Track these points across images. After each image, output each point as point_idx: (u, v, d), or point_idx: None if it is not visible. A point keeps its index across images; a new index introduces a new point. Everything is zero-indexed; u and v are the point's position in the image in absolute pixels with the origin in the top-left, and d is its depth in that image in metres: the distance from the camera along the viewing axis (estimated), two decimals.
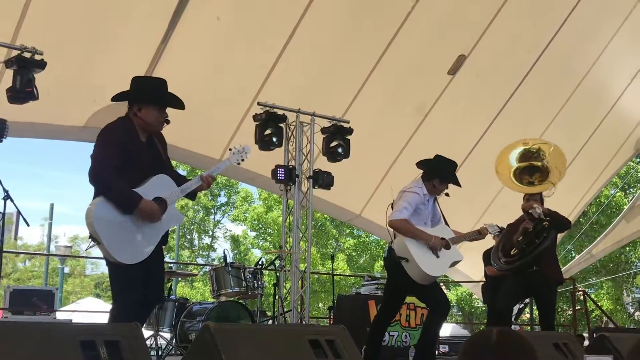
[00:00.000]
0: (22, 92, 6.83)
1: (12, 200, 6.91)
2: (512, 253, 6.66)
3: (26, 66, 6.82)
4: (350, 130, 8.96)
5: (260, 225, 30.30)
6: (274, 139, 8.53)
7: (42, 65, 6.89)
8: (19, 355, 3.08)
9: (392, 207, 5.87)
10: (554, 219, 6.62)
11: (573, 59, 11.60)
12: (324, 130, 8.93)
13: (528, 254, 6.51)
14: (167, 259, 31.06)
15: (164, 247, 4.75)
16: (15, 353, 3.08)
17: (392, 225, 5.76)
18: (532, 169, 6.91)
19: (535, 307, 12.40)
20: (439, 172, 5.96)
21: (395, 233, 5.81)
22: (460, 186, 6.04)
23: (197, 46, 8.67)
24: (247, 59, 9.05)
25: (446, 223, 6.12)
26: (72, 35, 7.88)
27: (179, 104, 5.00)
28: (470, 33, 10.26)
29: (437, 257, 5.76)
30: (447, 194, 6.03)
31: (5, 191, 6.86)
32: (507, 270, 6.83)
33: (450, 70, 10.47)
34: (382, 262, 29.16)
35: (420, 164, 6.06)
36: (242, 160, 5.07)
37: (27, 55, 6.82)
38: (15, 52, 6.90)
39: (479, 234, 6.10)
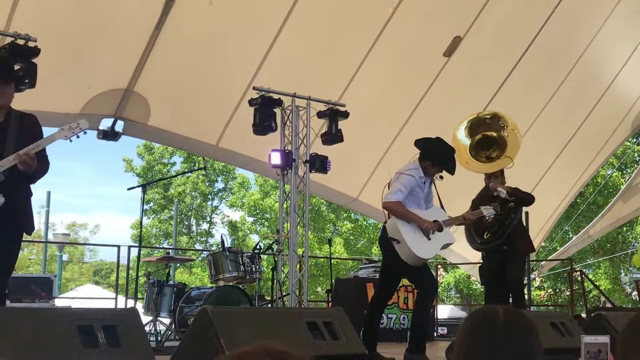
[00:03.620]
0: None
1: None
2: (485, 236, 6.97)
3: (20, 53, 6.78)
4: (346, 114, 8.94)
5: (257, 211, 30.31)
6: (273, 124, 8.51)
7: (36, 52, 6.84)
8: (17, 340, 3.09)
9: (389, 188, 5.87)
10: (518, 198, 6.91)
11: (568, 40, 11.57)
12: (319, 114, 8.91)
13: (500, 235, 6.86)
14: (165, 245, 31.18)
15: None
16: (13, 339, 3.09)
17: (385, 207, 5.76)
18: (487, 141, 7.02)
19: (533, 288, 12.47)
20: (432, 155, 5.93)
21: (389, 214, 5.81)
22: (452, 174, 6.02)
23: (192, 31, 8.63)
24: (242, 43, 9.01)
25: (442, 206, 6.12)
26: (66, 21, 7.83)
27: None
28: (465, 14, 10.21)
29: (429, 239, 5.76)
30: (441, 177, 6.02)
31: None
32: (483, 250, 7.18)
33: (446, 52, 10.44)
34: None
35: (417, 143, 6.05)
36: (76, 135, 4.55)
37: (21, 42, 6.78)
38: (8, 39, 6.86)
39: (464, 219, 6.10)
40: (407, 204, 5.76)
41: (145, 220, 31.07)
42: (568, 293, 22.83)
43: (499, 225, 6.85)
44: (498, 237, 6.86)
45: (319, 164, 8.81)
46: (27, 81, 6.71)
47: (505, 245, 6.85)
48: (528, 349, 1.66)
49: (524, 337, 1.67)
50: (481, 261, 8.77)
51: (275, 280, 8.20)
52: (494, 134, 7.06)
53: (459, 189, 7.98)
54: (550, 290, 28.77)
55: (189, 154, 28.24)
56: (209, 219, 33.95)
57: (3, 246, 4.34)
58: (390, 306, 8.84)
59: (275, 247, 8.53)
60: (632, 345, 1.77)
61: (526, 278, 9.44)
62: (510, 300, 6.89)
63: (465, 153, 7.09)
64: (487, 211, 6.35)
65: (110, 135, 8.97)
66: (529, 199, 7.10)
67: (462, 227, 6.75)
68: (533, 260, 14.19)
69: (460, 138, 7.15)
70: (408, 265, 5.72)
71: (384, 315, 8.63)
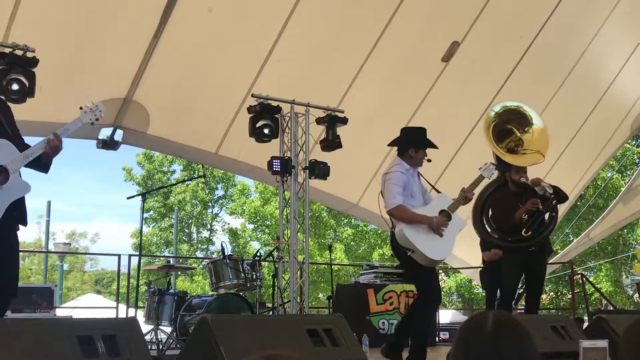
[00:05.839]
0: None
1: None
2: (524, 234, 6.58)
3: (19, 63, 6.81)
4: (345, 120, 8.95)
5: (257, 218, 30.33)
6: (269, 131, 8.52)
7: (34, 62, 6.87)
8: (17, 351, 3.09)
9: (382, 195, 5.68)
10: (557, 195, 6.64)
11: (566, 43, 11.58)
12: (318, 120, 8.92)
13: (541, 233, 6.56)
14: (165, 253, 31.18)
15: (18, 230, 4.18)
16: (13, 349, 3.09)
17: (391, 214, 5.55)
18: (505, 132, 6.79)
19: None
20: (409, 142, 5.82)
21: (394, 220, 5.60)
22: (436, 147, 5.88)
23: (190, 39, 8.65)
24: (240, 50, 9.03)
25: (436, 190, 6.02)
26: (64, 31, 7.86)
27: None
28: (463, 19, 10.23)
29: (441, 236, 5.55)
30: (428, 160, 5.84)
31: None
32: (507, 248, 6.78)
33: (444, 57, 10.45)
34: (380, 251, 29.16)
35: (391, 144, 5.99)
36: (97, 119, 4.52)
37: (20, 52, 6.80)
38: (7, 50, 6.88)
39: (465, 199, 5.83)
40: (407, 202, 5.58)
41: (145, 229, 31.07)
42: (569, 296, 22.80)
43: (540, 223, 6.54)
44: (538, 235, 6.53)
45: (319, 170, 8.81)
46: (19, 89, 6.71)
47: (534, 246, 6.56)
48: (518, 355, 1.65)
49: (513, 343, 1.65)
50: (482, 265, 8.69)
51: (276, 287, 8.19)
52: (518, 133, 6.86)
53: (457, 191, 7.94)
54: (552, 293, 28.75)
55: (189, 162, 28.28)
56: (209, 226, 33.96)
57: (13, 234, 4.12)
58: (391, 312, 8.83)
59: (275, 254, 8.52)
60: (634, 351, 1.77)
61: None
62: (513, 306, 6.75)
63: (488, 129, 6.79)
64: (487, 172, 6.03)
65: (109, 144, 8.98)
66: (565, 197, 6.83)
67: (470, 232, 6.53)
68: None
69: (491, 114, 6.85)
70: (424, 267, 5.55)
71: (385, 321, 8.64)
